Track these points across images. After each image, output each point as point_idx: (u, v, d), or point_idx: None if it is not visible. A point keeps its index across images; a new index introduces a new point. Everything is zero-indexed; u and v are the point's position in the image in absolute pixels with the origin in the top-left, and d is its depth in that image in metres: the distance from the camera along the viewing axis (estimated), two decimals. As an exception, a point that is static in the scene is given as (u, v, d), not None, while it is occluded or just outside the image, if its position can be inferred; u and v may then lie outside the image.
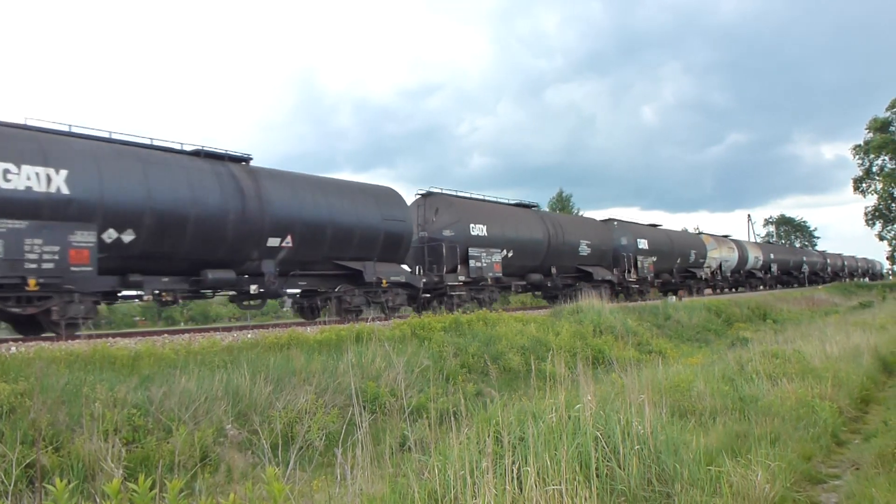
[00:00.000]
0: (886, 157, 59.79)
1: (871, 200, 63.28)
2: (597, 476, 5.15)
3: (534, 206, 28.13)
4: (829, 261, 74.33)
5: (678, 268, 37.68)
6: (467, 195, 24.69)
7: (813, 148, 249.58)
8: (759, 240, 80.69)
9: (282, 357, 10.95)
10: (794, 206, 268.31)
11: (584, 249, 28.53)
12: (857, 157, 61.86)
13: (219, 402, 8.73)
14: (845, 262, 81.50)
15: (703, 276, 40.86)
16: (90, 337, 11.95)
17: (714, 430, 7.70)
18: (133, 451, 7.39)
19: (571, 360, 13.20)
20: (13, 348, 10.20)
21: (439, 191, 23.56)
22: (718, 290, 44.03)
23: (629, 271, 32.20)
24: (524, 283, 26.25)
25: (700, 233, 45.39)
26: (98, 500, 5.58)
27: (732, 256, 45.58)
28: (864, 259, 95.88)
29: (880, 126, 58.88)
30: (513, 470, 4.94)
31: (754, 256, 49.97)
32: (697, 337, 22.86)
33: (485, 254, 22.50)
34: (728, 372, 10.82)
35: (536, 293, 28.52)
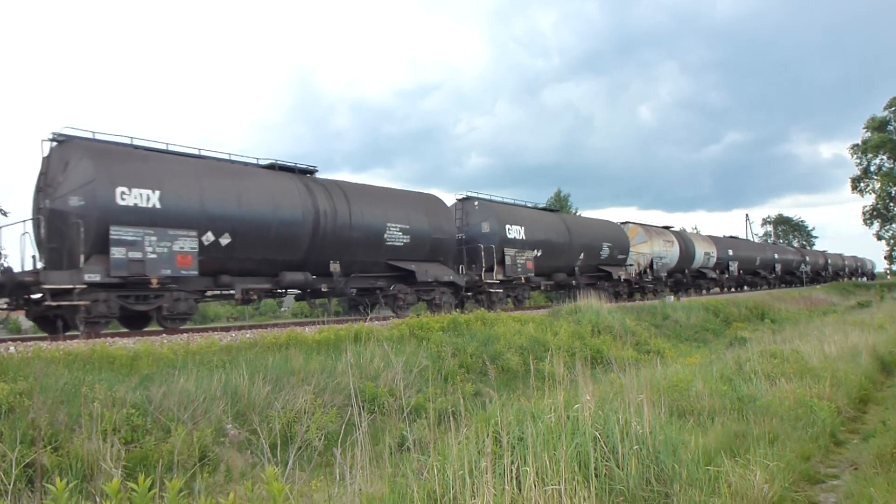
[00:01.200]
0: (885, 157, 59.87)
1: (870, 200, 63.42)
2: (595, 476, 5.16)
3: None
4: (809, 258, 65.76)
5: (583, 265, 29.30)
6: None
7: (811, 147, 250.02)
8: (756, 239, 79.92)
9: (280, 357, 10.96)
10: (792, 206, 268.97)
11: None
12: (856, 156, 61.96)
13: (217, 401, 8.73)
14: (829, 261, 73.56)
15: (623, 277, 31.71)
16: (88, 337, 11.96)
17: (712, 429, 7.71)
18: (132, 451, 7.39)
19: (570, 360, 13.23)
20: (11, 348, 10.20)
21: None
22: (643, 295, 34.24)
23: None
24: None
25: (626, 222, 35.23)
26: (97, 500, 5.59)
27: (670, 252, 36.53)
28: (854, 257, 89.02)
29: (878, 125, 58.95)
30: (512, 470, 4.94)
31: (704, 253, 41.22)
32: (696, 337, 22.88)
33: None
34: (726, 372, 10.83)
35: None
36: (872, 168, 61.43)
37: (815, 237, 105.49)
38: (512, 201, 27.13)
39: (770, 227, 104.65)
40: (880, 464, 6.63)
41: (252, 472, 6.97)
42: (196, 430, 7.91)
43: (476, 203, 24.95)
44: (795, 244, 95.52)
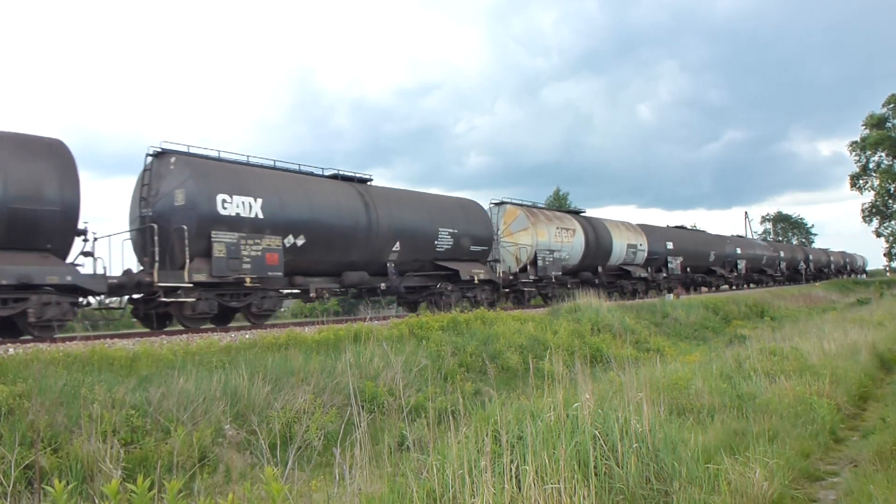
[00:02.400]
0: (883, 154, 59.94)
1: (869, 197, 63.52)
2: (595, 475, 5.15)
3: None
4: (784, 254, 58.04)
5: (401, 260, 20.68)
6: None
7: (810, 145, 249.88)
8: (755, 237, 79.45)
9: (280, 357, 10.95)
10: (791, 204, 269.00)
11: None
12: (854, 153, 62.01)
13: (217, 402, 8.73)
14: (810, 256, 66.69)
15: (480, 277, 22.53)
16: (87, 338, 11.96)
17: (712, 427, 7.71)
18: (132, 452, 7.39)
19: (569, 358, 13.23)
20: (10, 350, 10.19)
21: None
22: (521, 302, 26.22)
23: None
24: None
25: (504, 202, 27.09)
26: (97, 501, 5.59)
27: (568, 244, 27.89)
28: (842, 253, 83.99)
29: (877, 122, 59.02)
30: (511, 469, 4.94)
31: (626, 245, 32.36)
32: (695, 335, 22.89)
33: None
34: (726, 370, 10.84)
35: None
36: (871, 165, 61.55)
37: (815, 235, 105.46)
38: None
39: (769, 225, 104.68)
40: (880, 461, 6.62)
41: (251, 473, 6.97)
42: (195, 430, 7.92)
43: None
44: (795, 242, 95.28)
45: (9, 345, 10.88)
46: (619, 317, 19.67)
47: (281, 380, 9.92)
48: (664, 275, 36.11)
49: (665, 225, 41.61)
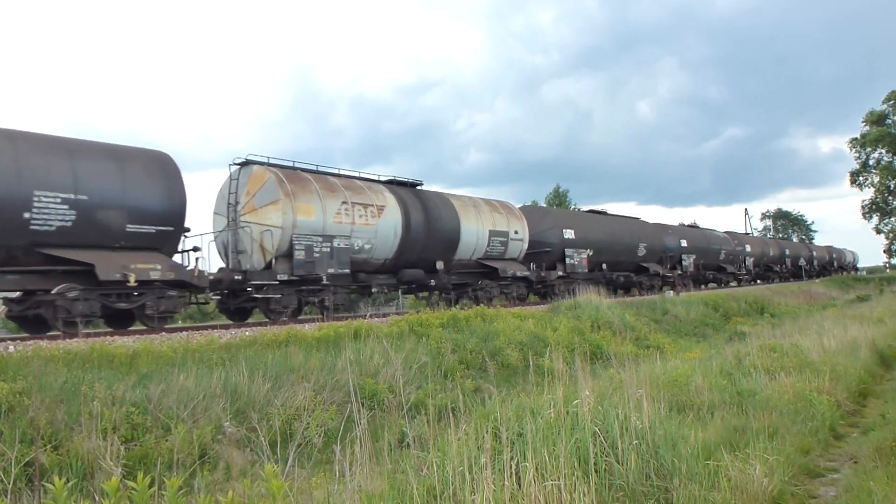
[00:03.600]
0: (883, 150, 59.87)
1: (869, 194, 63.40)
2: (595, 471, 5.15)
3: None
4: (750, 248, 50.88)
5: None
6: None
7: (810, 141, 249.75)
8: (755, 234, 79.13)
9: (280, 354, 10.95)
10: (791, 200, 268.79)
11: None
12: (854, 150, 61.94)
13: (217, 399, 8.73)
14: (787, 252, 60.04)
15: (134, 279, 14.62)
16: (88, 335, 11.97)
17: (712, 424, 7.71)
18: (132, 450, 7.39)
19: (569, 355, 13.23)
20: (10, 347, 10.20)
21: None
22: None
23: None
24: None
25: (249, 160, 17.91)
26: (97, 499, 5.59)
27: (368, 228, 19.07)
28: (828, 248, 79.74)
29: (877, 119, 58.95)
30: (511, 466, 4.94)
31: (487, 232, 23.90)
32: (695, 332, 22.89)
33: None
34: (726, 366, 10.84)
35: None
36: (871, 162, 61.45)
37: (815, 231, 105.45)
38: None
39: (769, 222, 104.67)
40: (880, 457, 6.62)
41: (252, 470, 6.97)
42: (196, 428, 7.92)
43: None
44: (795, 238, 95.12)
45: (9, 342, 10.88)
46: (619, 314, 19.66)
47: (281, 377, 9.92)
48: (560, 274, 29.50)
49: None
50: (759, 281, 52.63)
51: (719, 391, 9.06)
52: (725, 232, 49.45)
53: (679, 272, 38.09)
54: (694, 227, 45.07)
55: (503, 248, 24.68)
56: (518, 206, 28.70)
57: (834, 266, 77.60)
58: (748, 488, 5.51)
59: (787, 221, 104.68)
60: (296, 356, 10.73)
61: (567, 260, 27.74)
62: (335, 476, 5.11)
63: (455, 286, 22.85)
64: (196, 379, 9.00)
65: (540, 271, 26.36)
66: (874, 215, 63.78)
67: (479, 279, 23.80)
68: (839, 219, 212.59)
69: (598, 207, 37.50)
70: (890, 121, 58.99)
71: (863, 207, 64.01)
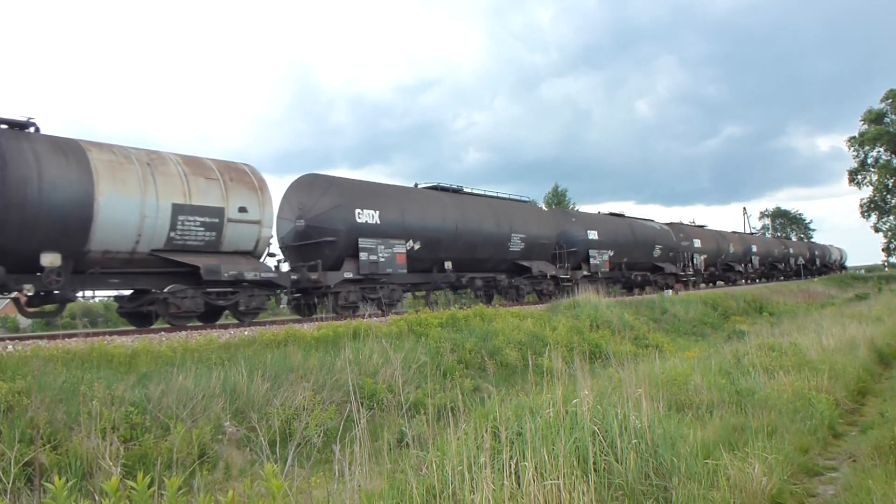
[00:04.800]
0: (881, 149, 59.91)
1: (867, 192, 63.42)
2: (594, 470, 5.16)
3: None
4: (698, 244, 41.76)
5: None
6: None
7: (808, 140, 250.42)
8: (755, 233, 78.84)
9: (279, 354, 10.95)
10: (789, 199, 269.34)
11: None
12: (853, 148, 61.98)
13: (216, 399, 8.74)
14: (753, 249, 52.26)
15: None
16: (87, 335, 11.97)
17: (711, 423, 7.73)
18: (131, 449, 7.39)
19: (568, 354, 13.24)
20: (9, 347, 10.19)
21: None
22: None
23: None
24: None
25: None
26: (97, 498, 5.59)
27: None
28: (810, 244, 74.59)
29: (875, 118, 58.98)
30: (510, 465, 4.95)
31: (172, 209, 14.77)
32: (694, 330, 22.91)
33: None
34: (725, 365, 10.85)
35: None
36: (869, 160, 61.49)
37: (813, 230, 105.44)
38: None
39: (768, 221, 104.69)
40: (878, 456, 6.64)
41: (251, 470, 6.98)
42: (195, 427, 7.92)
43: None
44: (794, 237, 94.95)
45: (7, 342, 10.88)
46: (618, 313, 19.68)
47: (280, 377, 9.92)
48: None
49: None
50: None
51: (718, 390, 9.07)
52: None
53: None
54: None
55: (214, 235, 15.42)
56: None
57: (815, 265, 70.07)
58: (747, 487, 5.52)
59: (785, 220, 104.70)
60: (295, 356, 10.73)
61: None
62: (334, 475, 5.11)
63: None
64: (195, 378, 9.00)
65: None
66: (872, 214, 63.81)
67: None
68: (838, 217, 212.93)
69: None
70: (888, 119, 59.01)
71: (861, 206, 64.09)
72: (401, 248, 20.07)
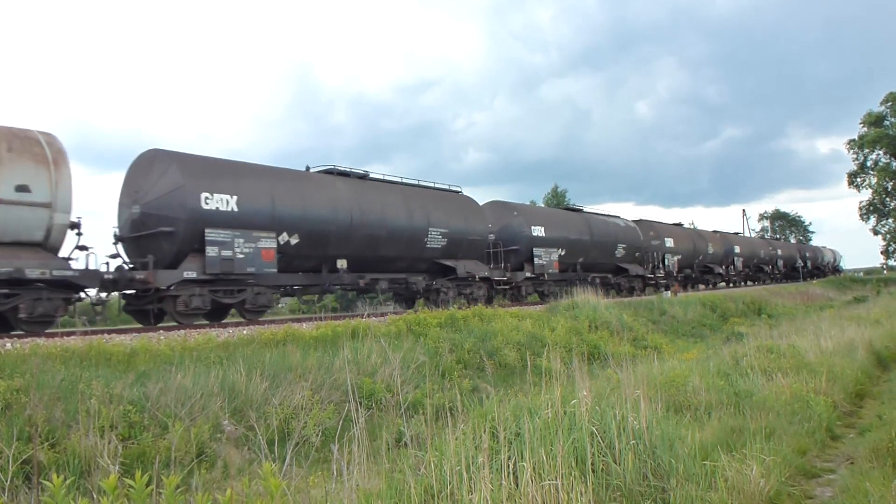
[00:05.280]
0: (881, 152, 59.95)
1: (866, 195, 63.49)
2: (592, 471, 5.16)
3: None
4: (671, 243, 38.04)
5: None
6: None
7: (808, 142, 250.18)
8: (754, 235, 78.63)
9: (278, 353, 10.95)
10: (789, 201, 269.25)
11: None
12: (852, 151, 62.03)
13: (215, 398, 8.73)
14: (736, 250, 48.15)
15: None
16: (86, 333, 11.96)
17: (709, 424, 7.73)
18: (129, 448, 7.39)
19: (567, 355, 13.22)
20: (8, 345, 10.18)
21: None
22: None
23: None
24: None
25: None
26: (95, 497, 5.58)
27: None
28: (799, 245, 73.01)
29: (874, 120, 59.03)
30: (509, 465, 4.95)
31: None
32: (693, 332, 22.91)
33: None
34: (723, 367, 10.85)
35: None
36: (869, 163, 61.54)
37: (812, 232, 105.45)
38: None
39: (767, 223, 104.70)
40: (876, 458, 6.64)
41: (249, 469, 6.97)
42: (193, 426, 7.91)
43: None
44: (793, 239, 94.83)
45: (6, 339, 10.87)
46: (617, 314, 19.68)
47: (279, 376, 9.92)
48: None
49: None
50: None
51: (716, 392, 9.07)
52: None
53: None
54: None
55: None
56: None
57: (806, 267, 65.81)
58: (745, 489, 5.52)
59: (784, 222, 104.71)
60: (294, 355, 10.73)
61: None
62: (333, 475, 5.11)
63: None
64: (194, 377, 9.00)
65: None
66: (872, 216, 63.90)
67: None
68: (837, 220, 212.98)
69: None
70: (888, 122, 59.07)
71: (860, 209, 64.15)
72: (269, 243, 16.04)
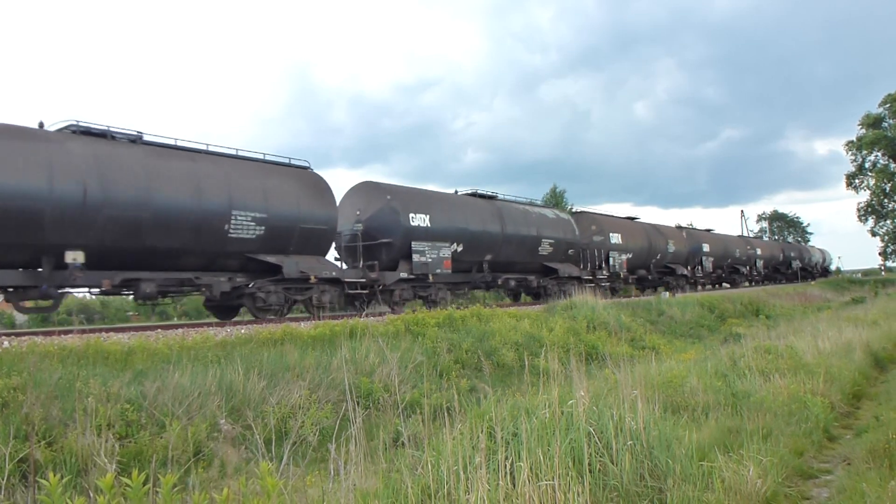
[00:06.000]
0: (879, 153, 60.00)
1: (864, 196, 63.50)
2: (589, 471, 5.17)
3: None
4: (617, 239, 32.67)
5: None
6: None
7: (806, 143, 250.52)
8: (751, 235, 78.29)
9: (275, 352, 10.95)
10: (787, 202, 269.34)
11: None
12: (850, 152, 62.06)
13: (212, 397, 8.73)
14: (704, 248, 42.23)
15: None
16: (83, 332, 11.95)
17: (706, 425, 7.73)
18: (126, 446, 7.38)
19: (565, 356, 13.21)
20: (5, 343, 10.17)
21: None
22: None
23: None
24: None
25: None
26: (91, 495, 5.58)
27: None
28: (784, 244, 67.71)
29: (873, 122, 59.08)
30: (506, 465, 4.95)
31: None
32: (690, 333, 22.93)
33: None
34: (721, 367, 10.86)
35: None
36: (867, 165, 61.57)
37: (811, 233, 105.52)
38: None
39: (766, 224, 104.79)
40: (873, 459, 6.65)
41: (246, 468, 6.97)
42: (190, 425, 7.91)
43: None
44: (791, 240, 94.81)
45: (3, 338, 10.86)
46: (615, 314, 19.70)
47: (276, 375, 9.91)
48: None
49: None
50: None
51: (714, 392, 9.08)
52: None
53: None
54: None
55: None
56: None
57: (790, 268, 60.61)
58: (742, 489, 5.53)
59: (783, 223, 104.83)
60: (291, 354, 10.72)
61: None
62: (330, 474, 5.11)
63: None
64: (191, 376, 8.99)
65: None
66: (870, 218, 63.91)
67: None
68: (835, 221, 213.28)
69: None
70: (886, 124, 59.10)
71: (858, 210, 64.18)
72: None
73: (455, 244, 22.51)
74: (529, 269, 26.67)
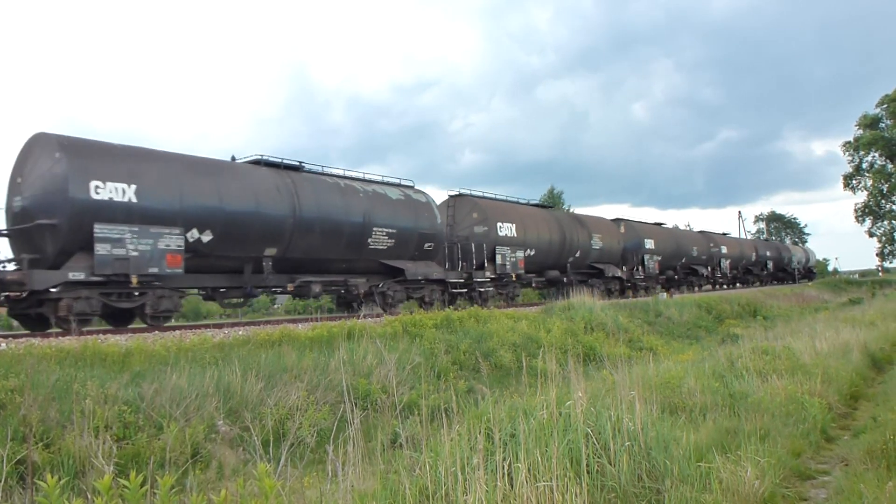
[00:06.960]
0: (876, 154, 60.05)
1: (862, 197, 63.53)
2: (587, 472, 5.17)
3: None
4: (510, 231, 24.98)
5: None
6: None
7: (803, 144, 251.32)
8: (749, 237, 78.21)
9: (273, 354, 10.94)
10: (784, 203, 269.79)
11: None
12: (848, 153, 62.11)
13: (210, 398, 8.72)
14: (647, 245, 35.14)
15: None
16: (81, 334, 11.94)
17: (704, 426, 7.74)
18: (124, 448, 7.38)
19: (563, 356, 13.23)
20: (3, 345, 10.16)
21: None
22: None
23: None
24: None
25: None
26: (89, 497, 5.58)
27: None
28: (756, 241, 62.23)
29: (870, 123, 59.13)
30: (504, 466, 4.95)
31: None
32: (688, 334, 22.95)
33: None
34: (718, 368, 10.87)
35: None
36: (864, 165, 61.61)
37: (808, 234, 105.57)
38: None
39: (763, 225, 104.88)
40: (870, 460, 6.66)
41: (244, 469, 6.97)
42: (188, 426, 7.91)
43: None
44: (788, 241, 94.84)
45: (1, 340, 10.85)
46: (613, 315, 19.71)
47: (274, 376, 9.91)
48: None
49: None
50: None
51: (711, 393, 9.09)
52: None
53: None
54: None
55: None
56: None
57: (766, 268, 55.04)
58: (739, 490, 5.53)
59: (780, 224, 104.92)
60: (289, 356, 10.73)
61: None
62: (328, 476, 5.11)
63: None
64: (189, 378, 8.99)
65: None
66: (867, 219, 63.93)
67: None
68: (832, 222, 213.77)
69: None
70: (883, 125, 59.14)
71: (856, 211, 64.21)
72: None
73: (195, 230, 14.70)
74: (357, 270, 19.56)
